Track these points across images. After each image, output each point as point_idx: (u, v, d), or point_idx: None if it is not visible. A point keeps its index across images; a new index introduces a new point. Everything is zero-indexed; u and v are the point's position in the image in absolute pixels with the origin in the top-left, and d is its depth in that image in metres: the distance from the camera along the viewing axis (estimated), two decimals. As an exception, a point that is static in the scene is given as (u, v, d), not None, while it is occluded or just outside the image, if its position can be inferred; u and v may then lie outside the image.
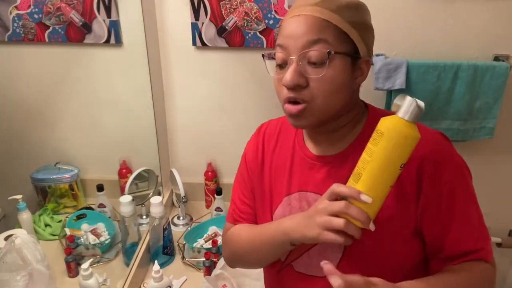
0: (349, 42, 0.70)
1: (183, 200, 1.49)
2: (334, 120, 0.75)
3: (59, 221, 1.17)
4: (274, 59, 0.74)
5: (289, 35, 0.70)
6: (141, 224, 1.41)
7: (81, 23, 1.26)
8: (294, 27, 0.70)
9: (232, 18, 1.37)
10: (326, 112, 0.72)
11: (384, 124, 0.64)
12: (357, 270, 0.71)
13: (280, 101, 0.75)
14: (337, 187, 0.66)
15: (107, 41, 1.30)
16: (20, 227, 1.01)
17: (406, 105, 0.63)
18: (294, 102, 0.71)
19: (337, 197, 0.67)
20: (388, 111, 0.82)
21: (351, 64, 0.71)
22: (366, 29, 0.73)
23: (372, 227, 0.64)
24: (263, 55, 0.77)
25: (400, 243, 0.73)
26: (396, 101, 0.64)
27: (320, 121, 0.73)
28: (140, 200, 1.45)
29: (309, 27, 0.69)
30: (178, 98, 1.54)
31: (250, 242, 0.85)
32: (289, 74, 0.69)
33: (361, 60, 0.73)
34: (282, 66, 0.72)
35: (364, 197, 0.63)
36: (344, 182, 0.70)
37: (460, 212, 0.72)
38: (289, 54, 0.70)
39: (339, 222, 0.64)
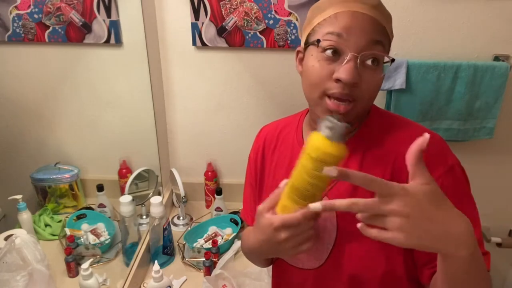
0: (388, 51, 0.73)
1: (183, 200, 1.49)
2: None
3: (59, 221, 1.17)
4: (318, 46, 0.70)
5: (351, 27, 0.67)
6: (141, 224, 1.41)
7: (81, 23, 1.26)
8: (358, 22, 0.68)
9: (232, 18, 1.37)
10: (362, 113, 0.73)
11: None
12: (347, 262, 0.74)
13: (315, 90, 0.71)
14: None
15: (107, 41, 1.30)
16: (20, 227, 1.01)
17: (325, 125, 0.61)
18: (339, 99, 0.69)
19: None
20: (388, 112, 0.83)
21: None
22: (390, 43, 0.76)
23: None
24: (318, 41, 0.70)
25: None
26: (321, 125, 0.62)
27: (352, 121, 0.73)
28: (140, 200, 1.45)
29: (373, 27, 0.68)
30: (178, 98, 1.54)
31: (244, 245, 0.90)
32: (348, 71, 0.66)
33: None
34: (332, 56, 0.69)
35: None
36: None
37: None
38: (348, 48, 0.67)
39: (307, 246, 0.67)
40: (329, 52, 0.68)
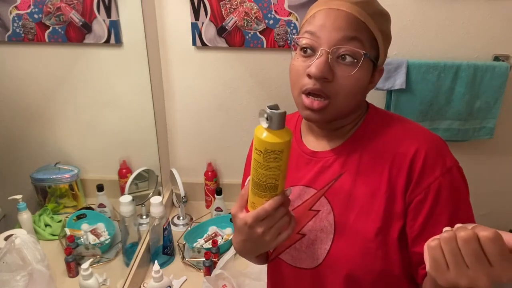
0: (376, 49, 0.71)
1: (183, 200, 1.49)
2: (341, 119, 0.76)
3: (59, 221, 1.17)
4: (298, 45, 0.72)
5: (324, 25, 0.68)
6: (141, 224, 1.41)
7: (81, 23, 1.26)
8: (331, 20, 0.68)
9: (232, 18, 1.37)
10: (342, 111, 0.72)
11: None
12: (344, 262, 0.73)
13: (295, 89, 0.73)
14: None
15: (107, 41, 1.30)
16: (20, 227, 1.01)
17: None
18: (313, 95, 0.70)
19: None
20: (387, 111, 0.83)
21: (372, 70, 0.73)
22: (388, 40, 0.75)
23: (289, 192, 0.67)
24: (291, 39, 0.76)
25: (388, 238, 0.72)
26: (260, 118, 0.61)
27: (333, 119, 0.73)
28: (140, 200, 1.45)
29: (347, 24, 0.68)
30: (178, 98, 1.54)
31: (234, 247, 0.88)
32: (317, 65, 0.67)
33: (377, 68, 0.74)
34: (306, 52, 0.70)
35: (288, 193, 0.67)
36: (335, 175, 0.75)
37: (444, 212, 0.69)
38: (320, 45, 0.68)
39: (286, 234, 0.67)
40: (304, 50, 0.70)
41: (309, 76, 0.69)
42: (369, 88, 0.76)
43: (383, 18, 0.72)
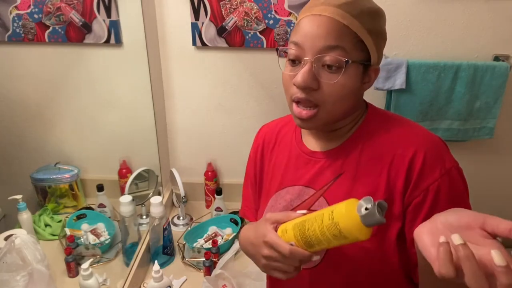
0: (364, 50, 0.70)
1: (183, 200, 1.49)
2: (337, 122, 0.76)
3: (59, 221, 1.17)
4: (286, 54, 0.73)
5: (307, 34, 0.69)
6: (141, 224, 1.41)
7: (81, 23, 1.26)
8: (313, 28, 0.68)
9: (232, 18, 1.37)
10: (333, 116, 0.73)
11: (347, 226, 0.59)
12: (342, 262, 0.74)
13: (287, 97, 0.74)
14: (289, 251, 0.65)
15: (107, 41, 1.30)
16: (20, 227, 1.01)
17: (370, 212, 0.57)
18: (302, 104, 0.71)
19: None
20: (386, 111, 0.82)
21: (362, 71, 0.72)
22: (381, 38, 0.73)
23: (315, 258, 0.67)
24: (277, 49, 0.76)
25: (387, 238, 0.72)
26: (363, 202, 0.58)
27: (325, 124, 0.74)
28: (140, 200, 1.45)
29: (329, 31, 0.67)
30: (178, 98, 1.54)
31: (240, 236, 0.90)
32: (301, 75, 0.68)
33: (371, 67, 0.73)
34: (294, 63, 0.71)
35: (314, 258, 0.66)
36: (334, 175, 0.75)
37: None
38: (304, 54, 0.69)
39: (281, 276, 0.68)
40: (290, 60, 0.71)
41: (295, 85, 0.70)
42: (364, 88, 0.75)
43: (371, 16, 0.70)
